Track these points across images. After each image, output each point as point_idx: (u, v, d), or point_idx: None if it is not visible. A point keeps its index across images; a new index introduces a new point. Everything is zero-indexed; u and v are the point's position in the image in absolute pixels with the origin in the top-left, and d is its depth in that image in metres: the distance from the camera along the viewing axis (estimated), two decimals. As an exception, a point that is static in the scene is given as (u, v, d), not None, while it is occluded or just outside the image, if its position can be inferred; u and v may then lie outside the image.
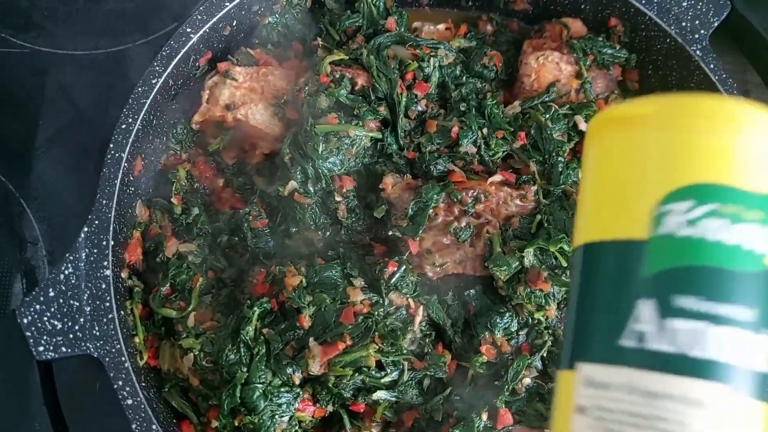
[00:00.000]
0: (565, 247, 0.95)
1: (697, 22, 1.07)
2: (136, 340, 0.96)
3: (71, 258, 0.92)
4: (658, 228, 0.48)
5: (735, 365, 0.47)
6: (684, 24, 1.07)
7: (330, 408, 0.96)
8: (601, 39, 1.11)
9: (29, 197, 1.26)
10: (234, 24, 1.07)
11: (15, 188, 1.26)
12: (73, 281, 0.92)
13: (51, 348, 0.89)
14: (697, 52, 1.06)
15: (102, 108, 1.29)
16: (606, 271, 0.51)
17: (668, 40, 1.08)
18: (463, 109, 1.06)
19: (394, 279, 0.98)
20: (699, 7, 1.07)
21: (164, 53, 1.00)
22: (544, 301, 0.96)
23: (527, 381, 0.97)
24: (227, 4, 1.03)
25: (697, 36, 1.06)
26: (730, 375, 0.46)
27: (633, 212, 0.49)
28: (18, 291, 1.20)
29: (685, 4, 1.07)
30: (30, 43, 1.33)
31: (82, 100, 1.32)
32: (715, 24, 1.07)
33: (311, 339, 0.93)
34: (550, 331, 0.99)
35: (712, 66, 1.05)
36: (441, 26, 1.15)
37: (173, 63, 1.00)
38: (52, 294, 0.90)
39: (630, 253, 0.49)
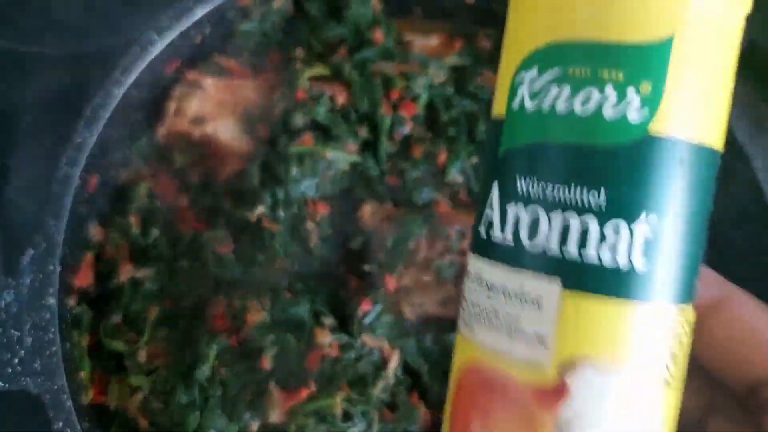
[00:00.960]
0: (556, 294, 0.87)
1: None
2: (82, 374, 0.88)
3: (14, 284, 0.84)
4: (511, 102, 0.43)
5: (574, 259, 0.40)
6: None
7: (290, 459, 0.88)
8: (607, 62, 1.02)
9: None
10: (207, 31, 0.98)
11: (-26, 191, 1.18)
12: (14, 310, 0.83)
13: (-16, 383, 0.81)
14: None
15: (71, 110, 1.21)
16: (484, 152, 0.49)
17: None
18: (452, 133, 0.97)
19: (368, 319, 0.90)
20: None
21: (127, 61, 0.91)
22: (530, 350, 0.88)
23: (508, 437, 0.89)
24: (199, 10, 0.94)
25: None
26: (568, 270, 0.40)
27: (501, 85, 0.45)
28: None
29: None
30: (6, 40, 1.24)
31: (50, 102, 1.23)
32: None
33: (272, 383, 0.85)
34: (535, 382, 0.90)
35: (727, 97, 0.96)
36: (433, 40, 1.06)
37: (137, 72, 0.92)
38: (-12, 323, 0.82)
39: (494, 132, 0.45)
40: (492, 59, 1.08)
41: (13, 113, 1.17)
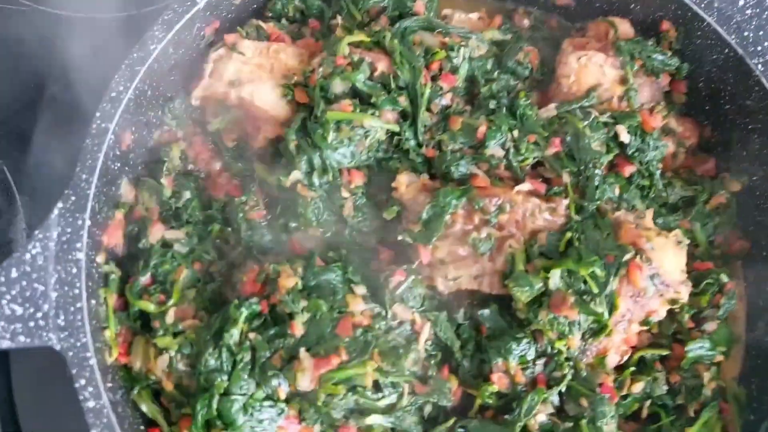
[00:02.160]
0: (598, 271, 0.84)
1: (761, 32, 0.96)
2: (107, 333, 0.86)
3: (41, 236, 0.82)
4: None
5: None
6: (746, 34, 0.96)
7: (317, 428, 0.85)
8: (651, 43, 1.00)
9: (13, 165, 1.16)
10: (247, -8, 0.97)
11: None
12: (40, 262, 0.81)
13: (8, 336, 0.79)
14: (759, 66, 0.95)
15: (102, 77, 1.20)
16: None
17: (726, 51, 0.97)
18: (492, 107, 0.95)
19: (400, 290, 0.88)
20: (765, 16, 0.96)
21: (166, 17, 0.90)
22: (567, 329, 0.86)
23: (541, 418, 0.87)
24: (240, -31, 0.93)
25: (759, 48, 0.95)
26: None
27: None
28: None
29: (749, 12, 0.96)
30: (31, 2, 1.23)
31: (81, 67, 1.22)
32: (782, 36, 0.96)
33: (302, 350, 0.83)
34: (570, 363, 0.88)
35: (774, 83, 0.95)
36: (474, 15, 1.05)
37: (175, 29, 0.90)
38: (14, 275, 0.80)
39: None
40: (530, 37, 1.07)
41: (65, 70, 1.16)
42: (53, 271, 0.82)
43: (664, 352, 0.93)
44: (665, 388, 0.92)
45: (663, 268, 0.86)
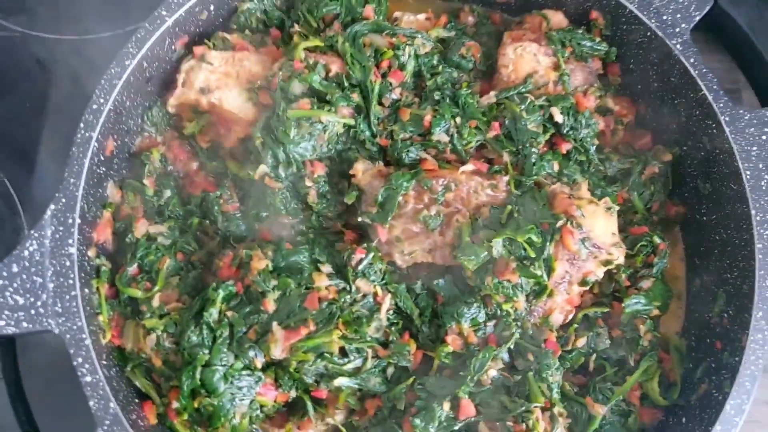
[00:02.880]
0: (534, 238, 0.94)
1: (678, 15, 1.06)
2: (101, 318, 0.96)
3: (36, 235, 0.93)
4: None
5: None
6: (665, 17, 1.06)
7: (293, 393, 0.96)
8: (581, 31, 1.10)
9: (15, 179, 1.26)
10: (211, 8, 1.08)
11: (0, 169, 1.27)
12: (37, 258, 0.92)
13: (12, 323, 0.89)
14: (678, 46, 1.04)
15: (89, 92, 1.30)
16: None
17: (648, 34, 1.06)
18: (437, 98, 1.05)
19: (361, 266, 0.97)
20: (680, 0, 1.06)
21: (139, 35, 1.00)
22: (512, 292, 0.95)
23: (493, 373, 0.96)
24: (203, -13, 1.03)
25: (677, 30, 1.05)
26: None
27: None
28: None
29: (665, -3, 1.06)
30: (20, 26, 1.34)
31: (71, 85, 1.32)
32: (697, 18, 1.06)
33: (275, 323, 0.93)
34: (518, 323, 0.98)
35: (692, 60, 1.04)
36: (421, 16, 1.14)
37: (147, 45, 1.01)
38: (15, 270, 0.91)
39: None
40: (475, 32, 1.17)
41: (56, 89, 1.26)
42: (49, 264, 0.92)
43: (605, 309, 1.02)
44: (608, 342, 1.02)
45: (593, 232, 0.95)
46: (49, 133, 1.31)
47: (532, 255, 0.94)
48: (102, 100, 0.98)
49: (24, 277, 0.91)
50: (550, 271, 0.95)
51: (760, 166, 0.99)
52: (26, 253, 0.92)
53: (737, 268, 0.99)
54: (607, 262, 0.97)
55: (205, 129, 1.08)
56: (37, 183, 1.28)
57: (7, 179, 1.25)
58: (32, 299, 0.91)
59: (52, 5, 1.36)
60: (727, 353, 0.95)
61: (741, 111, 1.01)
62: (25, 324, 0.90)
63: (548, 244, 0.94)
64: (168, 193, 1.05)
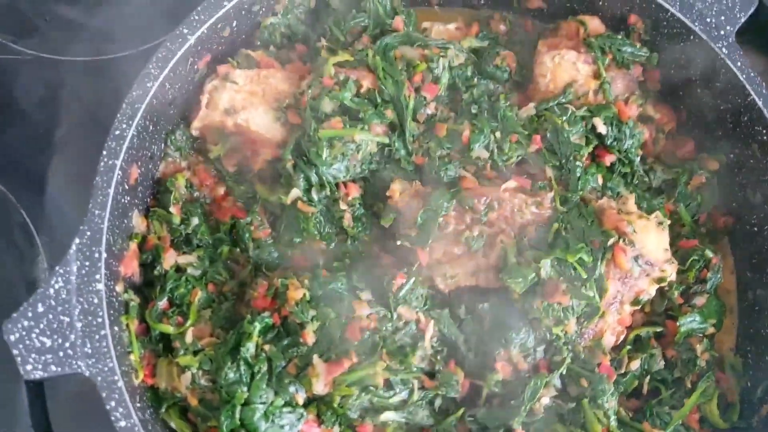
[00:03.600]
0: (585, 258, 0.89)
1: (722, 17, 1.01)
2: (132, 357, 0.91)
3: (61, 271, 0.88)
4: None
5: None
6: (708, 20, 1.01)
7: (336, 430, 0.91)
8: (620, 37, 1.05)
9: (31, 208, 1.22)
10: (234, 25, 1.03)
11: (16, 198, 1.22)
12: (63, 296, 0.87)
13: (40, 366, 0.84)
14: (723, 49, 1.00)
15: (104, 115, 1.26)
16: None
17: (692, 37, 1.02)
18: (474, 111, 1.01)
19: (402, 292, 0.93)
20: (724, 2, 1.01)
21: (160, 55, 0.96)
22: (562, 315, 0.91)
23: (545, 401, 0.91)
24: (225, 3, 0.99)
25: (722, 32, 1.01)
26: None
27: None
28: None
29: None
30: (31, 49, 1.30)
31: (86, 108, 1.28)
32: (742, 19, 1.01)
33: (315, 356, 0.88)
34: (569, 347, 0.93)
35: (739, 64, 1.00)
36: (451, 26, 1.10)
37: (170, 65, 0.96)
38: (41, 309, 0.86)
39: None
40: (507, 41, 1.12)
41: (71, 114, 1.22)
42: (76, 302, 0.87)
43: (658, 329, 0.98)
44: (662, 363, 0.97)
45: (646, 249, 0.91)
46: (62, 157, 1.27)
47: (584, 275, 0.90)
48: (124, 125, 0.93)
49: (50, 317, 0.86)
50: (602, 291, 0.90)
51: (815, 173, 0.94)
52: (51, 291, 0.87)
53: (795, 280, 0.95)
54: (660, 280, 0.93)
55: (231, 152, 1.03)
56: (53, 211, 1.23)
57: (23, 210, 1.20)
58: (60, 340, 0.86)
59: (63, 28, 1.32)
60: (790, 371, 0.91)
61: (793, 116, 0.96)
62: (53, 367, 0.85)
63: (599, 263, 0.90)
64: (195, 220, 1.00)
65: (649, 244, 0.92)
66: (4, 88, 1.30)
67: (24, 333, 0.85)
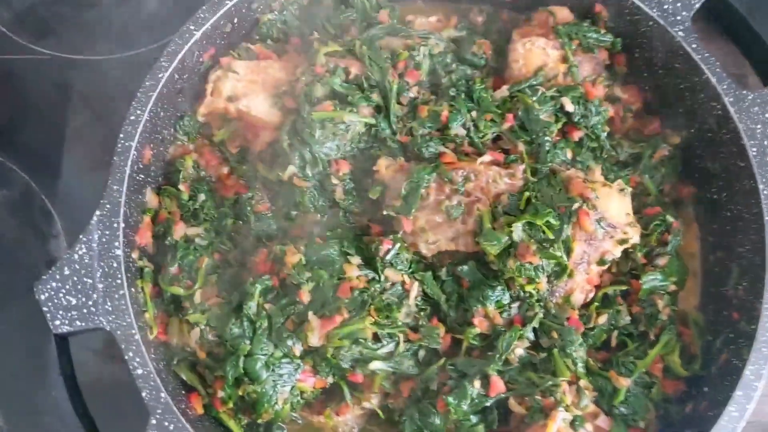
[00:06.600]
0: (552, 221, 0.99)
1: (678, 4, 1.11)
2: (147, 315, 1.02)
3: (85, 239, 0.99)
4: None
5: None
6: (666, 7, 1.11)
7: (330, 379, 1.01)
8: (586, 24, 1.15)
9: (52, 195, 1.34)
10: (235, 21, 1.14)
11: (38, 187, 1.34)
12: (86, 260, 0.98)
13: (66, 322, 0.95)
14: (680, 33, 1.09)
15: (117, 109, 1.37)
16: None
17: (651, 23, 1.11)
18: (452, 94, 1.10)
19: (389, 256, 1.02)
20: (680, -11, 1.11)
21: (170, 49, 1.07)
22: (533, 273, 1.00)
23: (519, 351, 1.00)
24: (228, 2, 1.10)
25: (679, 18, 1.10)
26: None
27: None
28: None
29: (666, -14, 1.11)
30: (49, 49, 1.42)
31: (99, 102, 1.40)
32: (696, 5, 1.11)
33: (310, 313, 0.98)
34: (541, 303, 1.02)
35: (694, 46, 1.09)
36: (433, 18, 1.20)
37: (178, 58, 1.07)
38: (67, 272, 0.97)
39: None
40: (485, 31, 1.23)
41: (88, 108, 1.33)
42: (98, 266, 0.98)
43: (624, 287, 1.07)
44: (628, 318, 1.06)
45: (608, 213, 1.00)
46: (77, 146, 1.38)
47: (551, 237, 0.99)
48: (139, 112, 1.04)
49: (75, 278, 0.97)
50: (569, 251, 0.99)
51: (765, 143, 1.03)
52: (76, 256, 0.98)
53: (749, 241, 1.03)
54: (623, 241, 1.02)
55: (234, 135, 1.14)
56: (69, 196, 1.35)
57: (44, 196, 1.32)
58: (84, 299, 0.97)
59: (78, 28, 1.44)
60: (744, 322, 0.99)
61: (744, 92, 1.05)
62: (78, 323, 0.96)
63: (566, 226, 0.99)
64: (202, 197, 1.11)
65: (612, 209, 1.01)
66: (24, 87, 1.43)
67: (52, 293, 0.96)
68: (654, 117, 1.19)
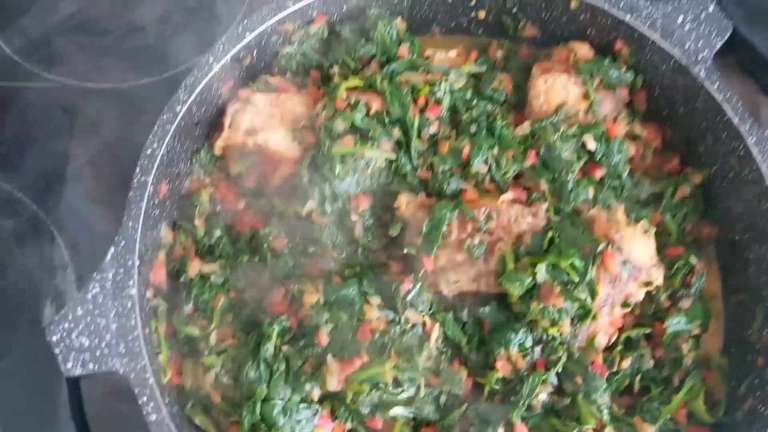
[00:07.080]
0: (576, 263, 0.97)
1: (699, 43, 1.10)
2: (161, 358, 0.99)
3: (98, 277, 0.96)
4: None
5: None
6: (687, 46, 1.10)
7: (349, 425, 0.98)
8: (606, 62, 1.14)
9: (59, 225, 1.31)
10: (254, 54, 1.12)
11: (46, 216, 1.31)
12: (100, 300, 0.95)
13: (79, 364, 0.92)
14: (701, 72, 1.09)
15: (128, 138, 1.35)
16: None
17: (672, 62, 1.11)
18: (473, 130, 1.09)
19: (410, 296, 1.00)
20: (701, 29, 1.10)
21: (188, 82, 1.05)
22: (557, 316, 0.98)
23: (543, 396, 0.98)
24: (247, 35, 1.08)
25: (700, 57, 1.09)
26: None
27: None
28: (48, 315, 1.23)
29: (687, 26, 1.10)
30: (60, 76, 1.40)
31: (109, 132, 1.38)
32: (718, 45, 1.10)
33: (329, 356, 0.96)
34: (564, 346, 1.00)
35: (716, 86, 1.08)
36: (452, 53, 1.19)
37: (197, 91, 1.05)
38: (80, 312, 0.94)
39: None
40: (504, 66, 1.22)
41: (97, 138, 1.31)
42: (111, 306, 0.95)
43: (647, 330, 1.05)
44: (651, 362, 1.04)
45: (633, 255, 0.98)
46: (87, 175, 1.36)
47: (576, 279, 0.97)
48: (155, 145, 1.02)
49: (88, 319, 0.94)
50: (593, 294, 0.97)
51: (790, 185, 1.02)
52: (89, 296, 0.95)
53: (774, 285, 1.02)
54: (647, 284, 1.00)
55: (251, 169, 1.12)
56: (79, 229, 1.32)
57: (53, 227, 1.29)
58: (97, 340, 0.94)
59: (89, 56, 1.42)
60: (771, 369, 0.97)
61: (767, 134, 1.05)
62: (91, 365, 0.93)
63: (590, 267, 0.98)
64: (218, 232, 1.09)
65: (636, 250, 1.00)
66: (34, 115, 1.40)
67: (65, 334, 0.93)
68: (674, 155, 1.18)
